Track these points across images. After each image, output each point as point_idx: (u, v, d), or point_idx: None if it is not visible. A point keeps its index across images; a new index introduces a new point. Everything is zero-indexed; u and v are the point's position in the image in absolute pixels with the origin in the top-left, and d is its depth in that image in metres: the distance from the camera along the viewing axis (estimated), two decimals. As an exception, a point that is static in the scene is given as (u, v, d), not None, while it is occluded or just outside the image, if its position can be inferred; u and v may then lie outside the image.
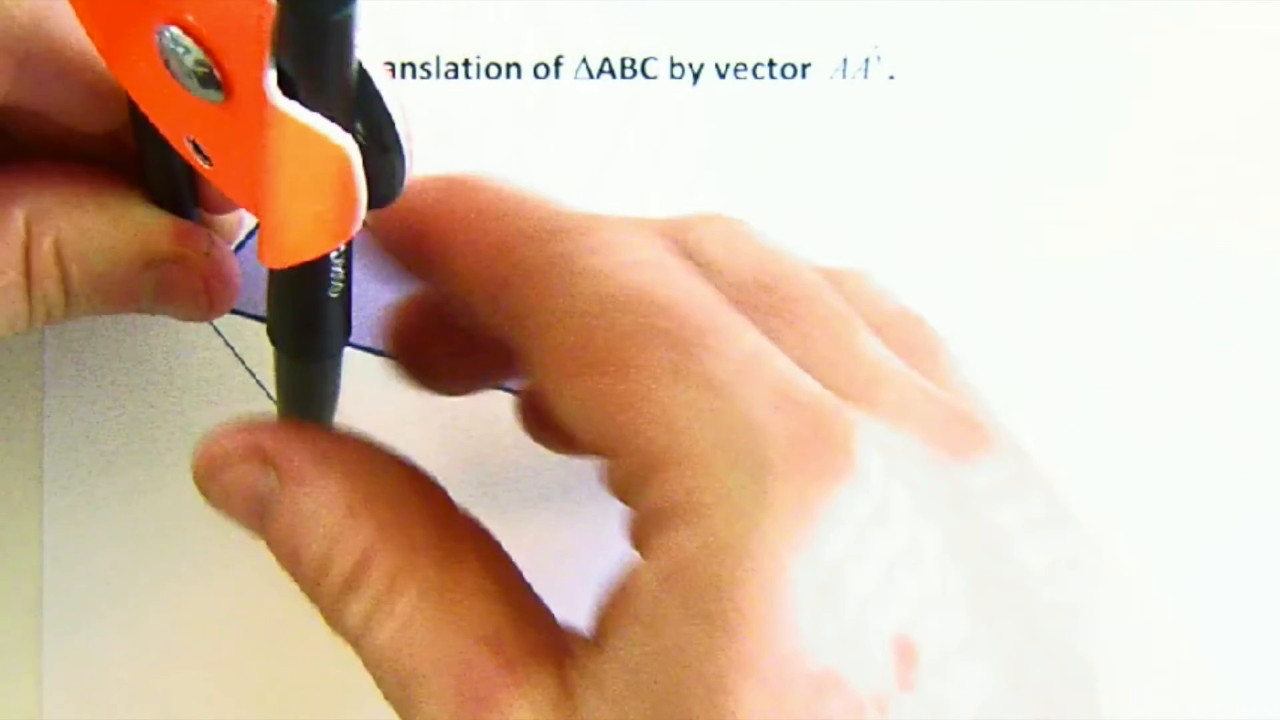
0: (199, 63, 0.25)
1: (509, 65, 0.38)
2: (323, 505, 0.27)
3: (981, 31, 0.38)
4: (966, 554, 0.24)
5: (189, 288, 0.32)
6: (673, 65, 0.38)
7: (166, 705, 0.36)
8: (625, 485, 0.25)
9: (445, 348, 0.32)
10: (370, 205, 0.24)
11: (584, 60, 0.38)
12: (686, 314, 0.25)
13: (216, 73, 0.25)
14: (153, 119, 0.28)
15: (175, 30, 0.24)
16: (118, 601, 0.37)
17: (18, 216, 0.30)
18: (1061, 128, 0.38)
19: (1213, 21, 0.39)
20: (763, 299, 0.26)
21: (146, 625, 0.37)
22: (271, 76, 0.22)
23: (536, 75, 0.38)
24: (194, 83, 0.25)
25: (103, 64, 0.28)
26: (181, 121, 0.27)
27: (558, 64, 0.38)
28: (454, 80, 0.38)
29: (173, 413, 0.37)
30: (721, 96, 0.38)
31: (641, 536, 0.25)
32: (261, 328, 0.36)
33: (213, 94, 0.25)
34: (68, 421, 0.36)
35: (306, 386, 0.31)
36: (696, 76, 0.38)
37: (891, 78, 0.38)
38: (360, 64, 0.23)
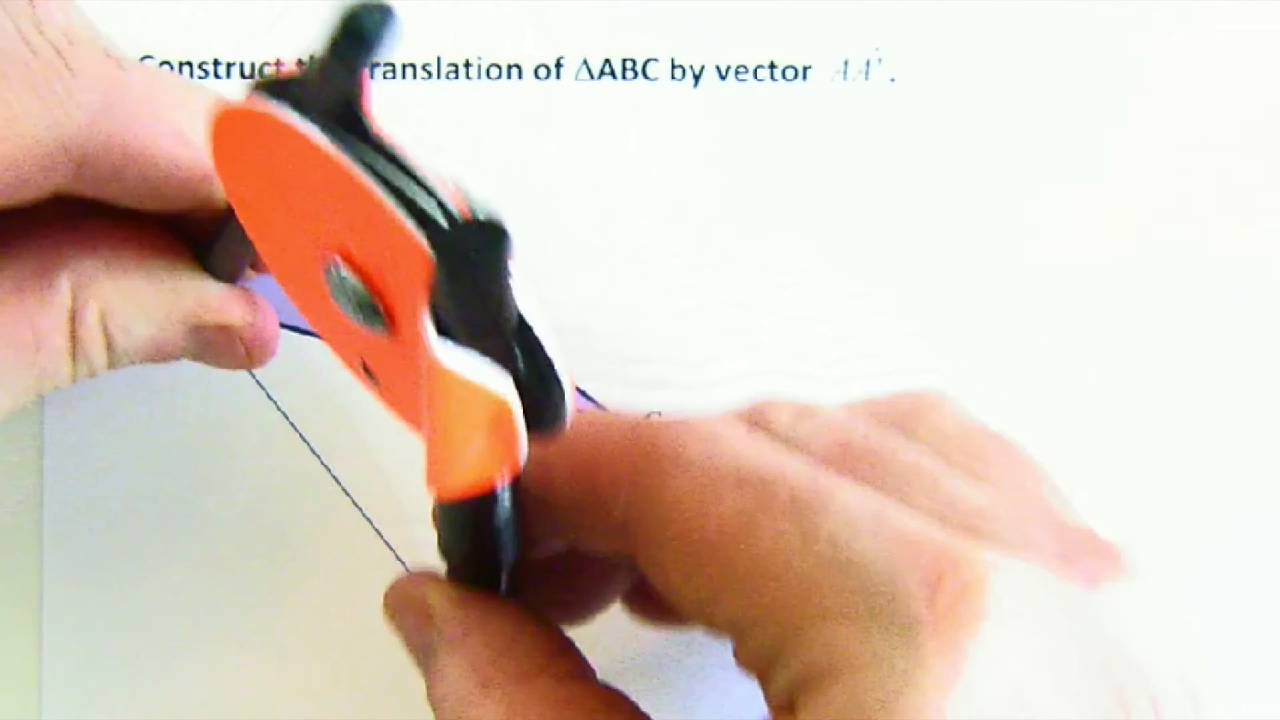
0: (362, 296, 0.26)
1: (510, 66, 0.38)
2: (462, 673, 0.28)
3: (982, 33, 0.38)
4: (1113, 683, 0.24)
5: (230, 350, 0.33)
6: (674, 67, 0.38)
7: (166, 706, 0.36)
8: (763, 656, 0.25)
9: (563, 582, 0.33)
10: (538, 437, 0.25)
11: (585, 61, 0.38)
12: (796, 483, 0.26)
13: (380, 307, 0.26)
14: (325, 340, 0.29)
15: (341, 265, 0.25)
16: (118, 602, 0.37)
17: (64, 285, 0.30)
18: (1061, 128, 0.38)
19: (1213, 21, 0.39)
20: (847, 462, 0.27)
21: (147, 626, 0.37)
22: (430, 327, 0.23)
23: (537, 76, 0.38)
24: (359, 315, 0.26)
25: (162, 158, 0.29)
26: (351, 345, 0.28)
27: (558, 65, 0.38)
28: (455, 81, 0.38)
29: (172, 412, 0.37)
30: (722, 98, 0.38)
31: (786, 702, 0.25)
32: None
33: (378, 327, 0.26)
34: (67, 421, 0.36)
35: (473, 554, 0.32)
36: (698, 78, 0.38)
37: (892, 80, 0.38)
38: (520, 315, 0.24)
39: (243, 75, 0.37)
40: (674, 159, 0.38)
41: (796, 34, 0.38)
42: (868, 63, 0.38)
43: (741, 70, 0.38)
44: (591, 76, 0.38)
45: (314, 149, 0.24)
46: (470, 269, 0.22)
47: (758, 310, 0.38)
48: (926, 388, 0.31)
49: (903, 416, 0.29)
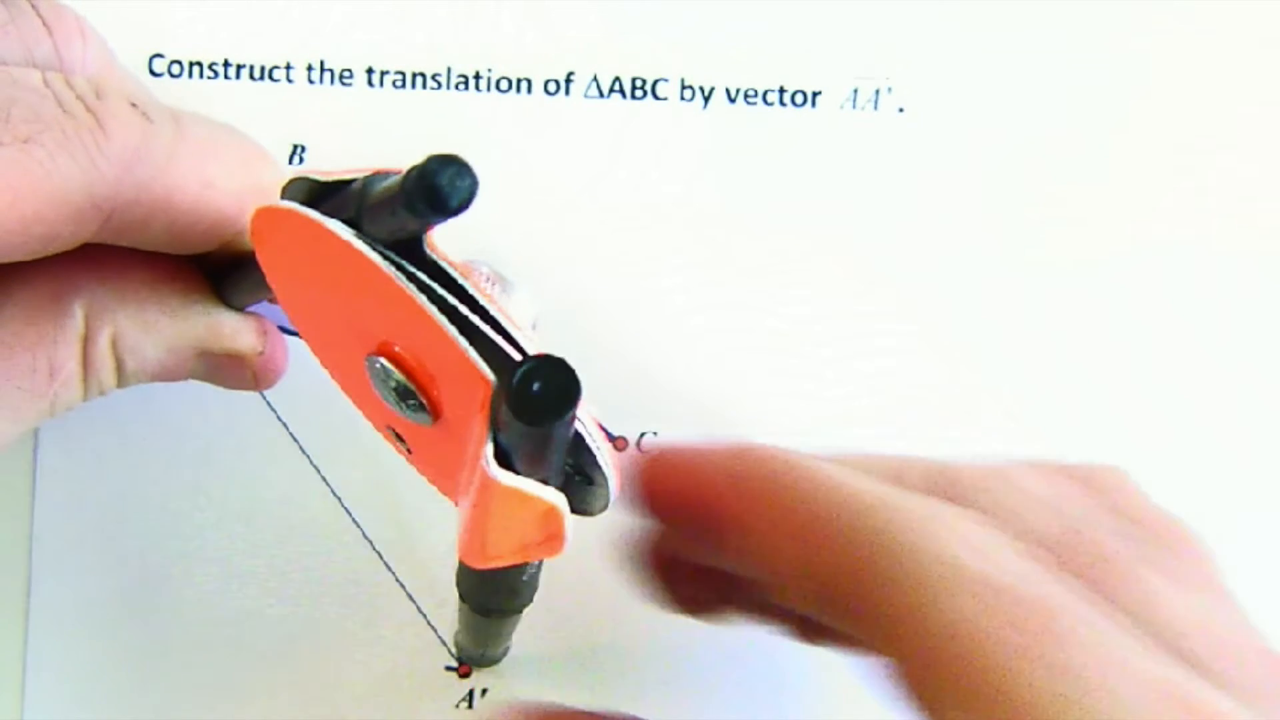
0: (406, 390, 0.25)
1: (520, 80, 0.38)
2: None
3: (993, 68, 0.38)
4: None
5: (238, 375, 0.33)
6: (683, 87, 0.38)
7: (152, 709, 0.37)
8: None
9: (690, 578, 0.32)
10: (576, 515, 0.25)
11: (595, 78, 0.38)
12: (1032, 599, 0.25)
13: (424, 401, 0.25)
14: (357, 406, 0.29)
15: (386, 362, 0.25)
16: (104, 604, 0.37)
17: (77, 312, 0.30)
18: (1076, 166, 0.38)
19: (1213, 21, 0.38)
20: (1060, 556, 0.27)
21: (132, 630, 0.37)
22: (489, 450, 0.23)
23: (547, 91, 0.38)
24: (400, 406, 0.26)
25: (188, 207, 0.29)
26: (384, 417, 0.28)
27: (568, 80, 0.38)
28: (464, 92, 0.38)
29: (167, 414, 0.37)
30: (731, 121, 0.38)
31: None
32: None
33: (421, 418, 0.26)
34: (60, 424, 0.37)
35: (488, 632, 0.33)
36: (707, 99, 0.38)
37: (901, 110, 0.38)
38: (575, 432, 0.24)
39: (251, 77, 0.37)
40: (679, 180, 0.38)
41: (807, 60, 0.38)
42: (877, 92, 0.38)
43: (751, 93, 0.38)
44: (601, 94, 0.38)
45: (373, 269, 0.24)
46: (539, 411, 0.22)
47: (757, 330, 0.38)
48: (1107, 465, 0.31)
49: (1093, 497, 0.29)
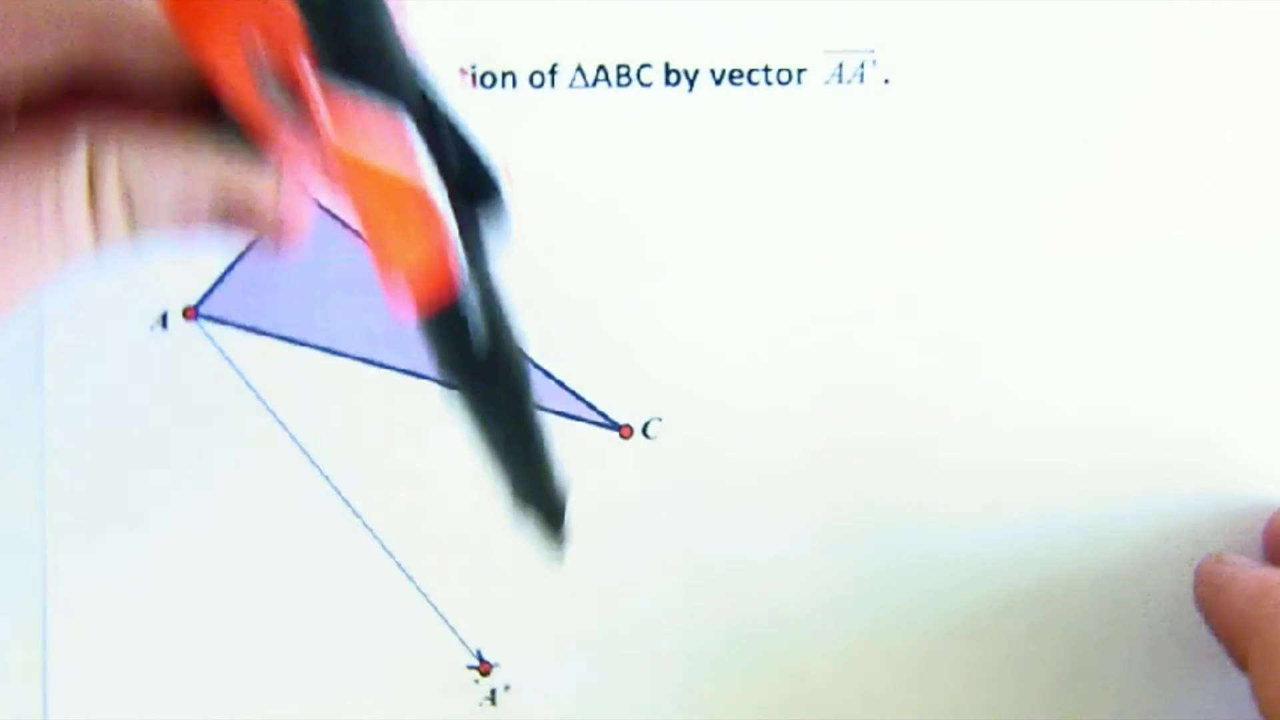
0: (273, 75, 0.24)
1: (504, 74, 0.38)
2: None
3: (978, 34, 0.38)
4: None
5: (259, 216, 0.30)
6: (668, 72, 0.38)
7: (168, 710, 0.37)
8: None
9: None
10: (487, 215, 0.25)
11: (579, 68, 0.38)
12: None
13: (284, 83, 0.24)
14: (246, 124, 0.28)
15: (260, 46, 0.24)
16: (119, 606, 0.37)
17: (80, 143, 0.28)
18: (1061, 128, 0.38)
19: (1213, 21, 0.38)
20: None
21: (146, 634, 0.37)
22: (306, 63, 0.22)
23: (532, 84, 0.38)
24: (276, 96, 0.25)
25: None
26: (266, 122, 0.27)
27: (553, 72, 0.38)
28: (454, 89, 0.37)
29: (172, 417, 0.37)
30: (717, 103, 0.38)
31: None
32: (256, 339, 0.37)
33: (282, 100, 0.25)
34: (65, 424, 0.37)
35: (490, 433, 0.30)
36: (692, 83, 0.38)
37: (886, 81, 0.38)
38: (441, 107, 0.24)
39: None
40: (669, 165, 0.38)
41: (790, 37, 0.38)
42: (862, 65, 0.38)
43: (736, 74, 0.38)
44: (586, 84, 0.38)
45: None
46: None
47: (756, 312, 0.38)
48: None
49: None
